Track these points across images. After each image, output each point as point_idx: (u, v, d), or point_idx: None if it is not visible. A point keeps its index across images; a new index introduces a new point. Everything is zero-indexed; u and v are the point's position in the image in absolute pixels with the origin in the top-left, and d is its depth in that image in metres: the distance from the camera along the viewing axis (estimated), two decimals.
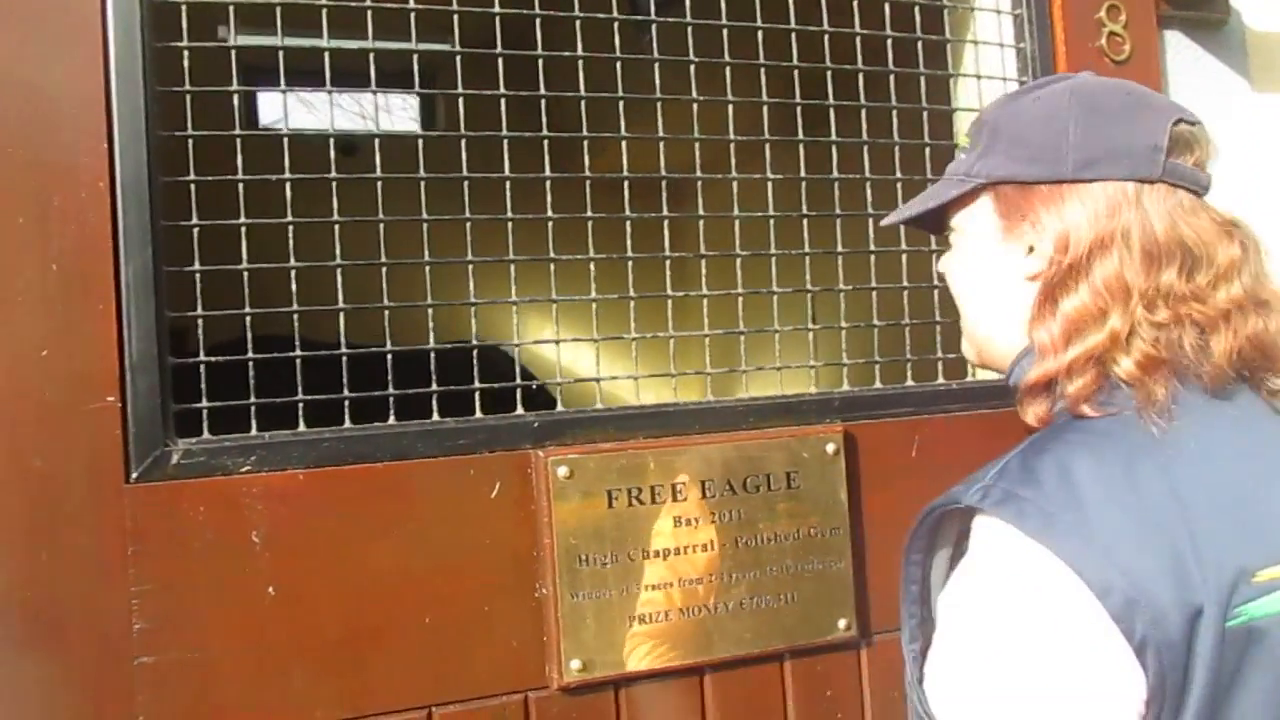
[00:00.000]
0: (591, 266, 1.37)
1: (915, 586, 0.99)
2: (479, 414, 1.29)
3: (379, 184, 1.28)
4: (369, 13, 1.25)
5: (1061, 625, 0.80)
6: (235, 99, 1.25)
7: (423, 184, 1.30)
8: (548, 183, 1.35)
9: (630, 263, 1.39)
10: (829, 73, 1.49)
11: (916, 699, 0.91)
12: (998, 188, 0.97)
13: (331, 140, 1.29)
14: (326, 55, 1.25)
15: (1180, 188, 0.92)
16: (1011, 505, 0.84)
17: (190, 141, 1.19)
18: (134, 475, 1.13)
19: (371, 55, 1.27)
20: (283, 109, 1.24)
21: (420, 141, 1.31)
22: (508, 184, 1.33)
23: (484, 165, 1.32)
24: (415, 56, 1.29)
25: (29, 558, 1.11)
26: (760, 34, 1.45)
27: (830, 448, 1.39)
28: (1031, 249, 0.95)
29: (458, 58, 1.32)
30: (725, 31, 1.43)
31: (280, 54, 1.23)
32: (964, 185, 0.99)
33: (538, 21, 1.34)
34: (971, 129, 1.02)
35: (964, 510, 0.90)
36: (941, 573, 0.97)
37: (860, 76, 1.51)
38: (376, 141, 1.29)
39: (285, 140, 1.24)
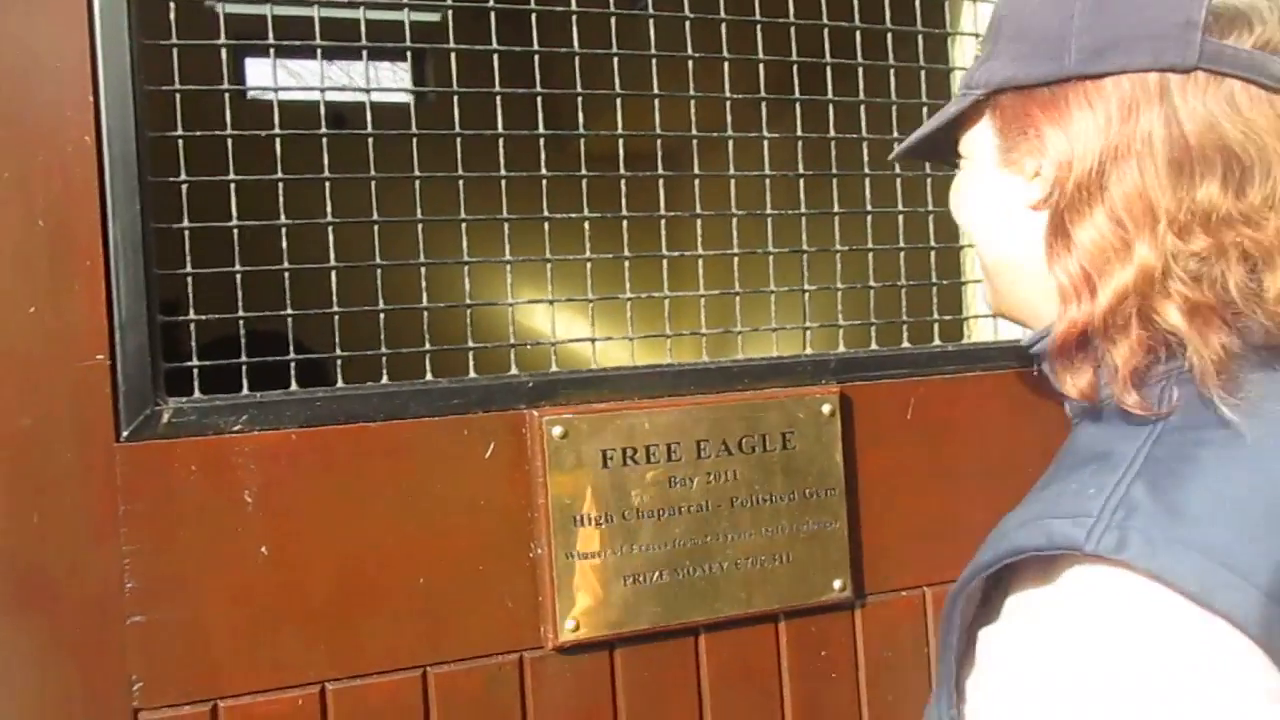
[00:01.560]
0: (586, 226, 1.36)
1: (955, 640, 0.75)
2: (472, 374, 1.28)
3: (370, 149, 1.26)
4: None
5: None
6: (224, 66, 1.23)
7: (414, 147, 1.28)
8: (541, 143, 1.33)
9: (625, 224, 1.38)
10: (825, 31, 1.47)
11: None
12: (997, 98, 0.79)
13: (322, 105, 1.27)
14: (316, 22, 1.23)
15: (1230, 76, 0.70)
16: (1165, 554, 0.62)
17: (178, 97, 1.18)
18: (124, 434, 1.12)
19: (363, 22, 1.25)
20: (271, 75, 1.22)
21: (412, 107, 1.30)
22: (501, 143, 1.31)
23: (480, 133, 1.30)
24: (406, 23, 1.27)
25: (18, 518, 1.10)
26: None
27: (826, 409, 1.39)
28: (1037, 171, 0.77)
29: (449, 25, 1.30)
30: None
31: (269, 18, 1.20)
32: (962, 100, 0.82)
33: None
34: (986, 34, 0.83)
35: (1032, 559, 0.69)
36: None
37: (857, 34, 1.49)
38: (368, 107, 1.27)
39: (275, 100, 1.22)
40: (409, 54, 1.24)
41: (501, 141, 1.31)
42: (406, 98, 4.25)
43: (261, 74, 4.08)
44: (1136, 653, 0.62)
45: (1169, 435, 0.70)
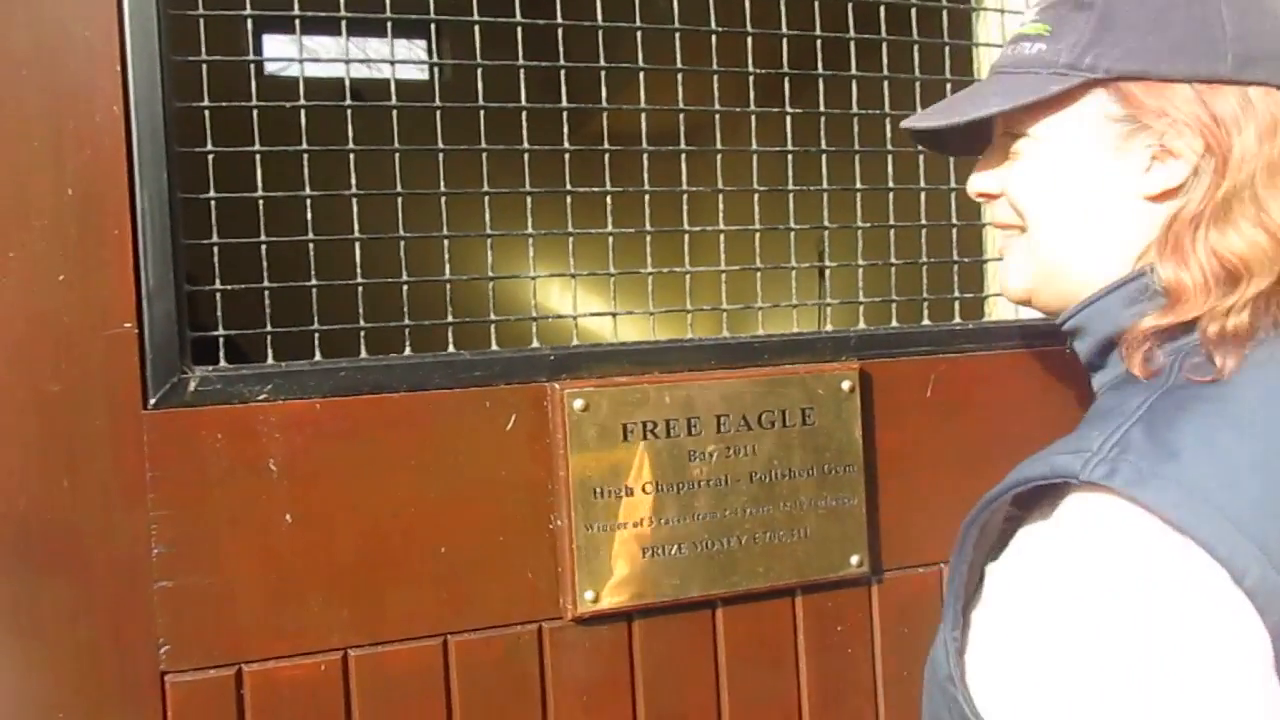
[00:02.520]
0: (608, 201, 1.36)
1: (965, 568, 0.83)
2: (494, 346, 1.29)
3: (395, 122, 1.26)
4: None
5: (1208, 643, 0.65)
6: (249, 36, 1.24)
7: (438, 118, 1.29)
8: (564, 115, 1.34)
9: (646, 199, 1.38)
10: (849, 5, 1.46)
11: (957, 696, 0.79)
12: (1117, 84, 0.80)
13: (347, 73, 1.27)
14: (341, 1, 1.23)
15: None
16: (1152, 485, 0.69)
17: (205, 68, 1.18)
18: (151, 402, 1.14)
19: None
20: (294, 49, 1.23)
21: (436, 82, 1.30)
22: (524, 115, 1.32)
23: (498, 110, 1.31)
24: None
25: (49, 483, 1.12)
26: None
27: (846, 385, 1.39)
28: (1155, 161, 0.80)
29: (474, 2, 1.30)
30: None
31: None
32: (1066, 80, 0.81)
33: None
34: (1047, 13, 0.85)
35: (1038, 489, 0.77)
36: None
37: (881, 9, 1.48)
38: (392, 82, 1.27)
39: (301, 71, 1.23)
40: (428, 29, 1.24)
41: (525, 116, 1.32)
42: (425, 74, 4.24)
43: (279, 50, 4.08)
44: (1118, 572, 0.69)
45: (1174, 391, 0.78)
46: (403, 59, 1.29)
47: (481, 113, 1.30)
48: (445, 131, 1.30)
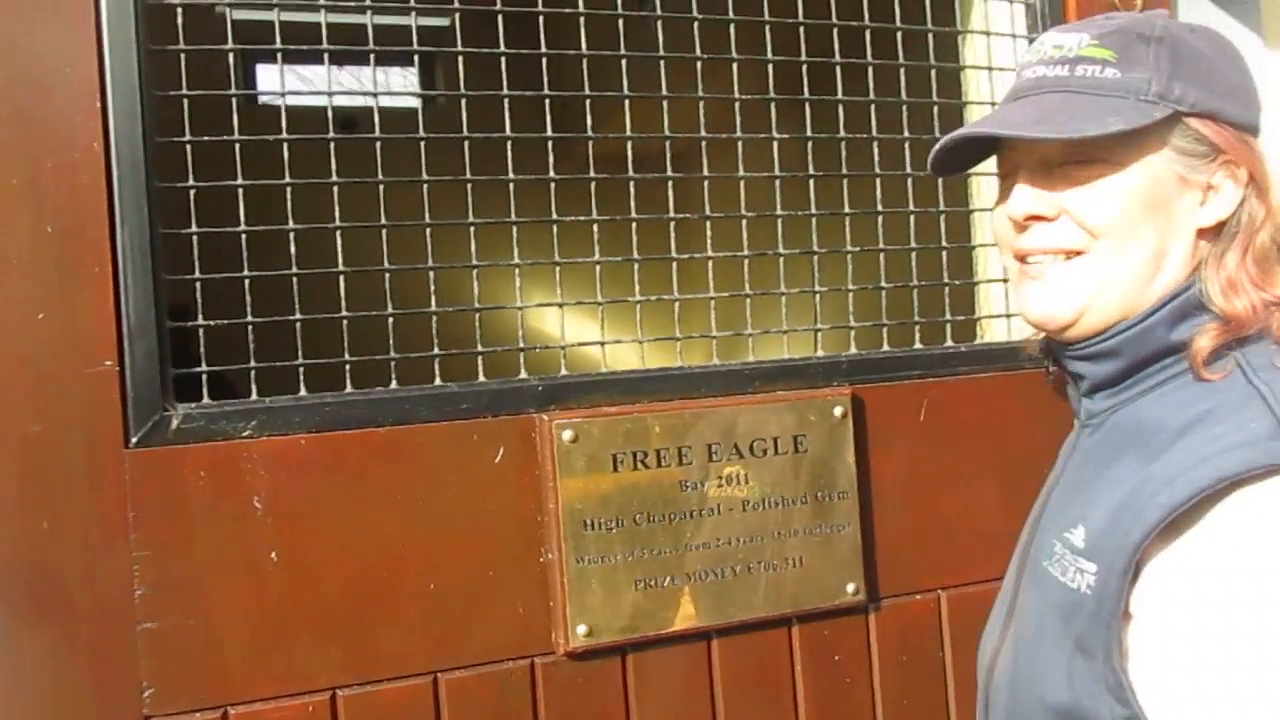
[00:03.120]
0: (595, 229, 1.35)
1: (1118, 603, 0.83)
2: (482, 378, 1.27)
3: (378, 153, 1.26)
4: None
5: None
6: (232, 71, 1.23)
7: (423, 150, 1.28)
8: (549, 145, 1.33)
9: (634, 226, 1.37)
10: (834, 31, 1.46)
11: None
12: (1190, 121, 0.86)
13: (330, 110, 1.26)
14: (324, 27, 1.23)
15: None
16: None
17: (186, 103, 1.18)
18: (133, 440, 1.12)
19: (370, 28, 1.24)
20: (279, 81, 1.22)
21: (420, 112, 1.29)
22: (509, 146, 1.31)
23: (485, 134, 1.30)
24: (414, 29, 1.27)
25: (29, 524, 1.10)
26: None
27: (838, 411, 1.37)
28: (1209, 194, 0.88)
29: (457, 26, 1.29)
30: None
31: (276, 24, 1.20)
32: (1159, 109, 0.85)
33: None
34: (1107, 39, 0.88)
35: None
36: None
37: (867, 34, 1.48)
38: (375, 112, 1.26)
39: (283, 104, 1.22)
40: (417, 59, 1.24)
41: (510, 145, 1.31)
42: (415, 102, 4.24)
43: (270, 80, 4.08)
44: None
45: (1271, 380, 0.83)
46: (387, 92, 1.28)
47: (467, 143, 1.29)
48: (432, 158, 1.29)
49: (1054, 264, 0.90)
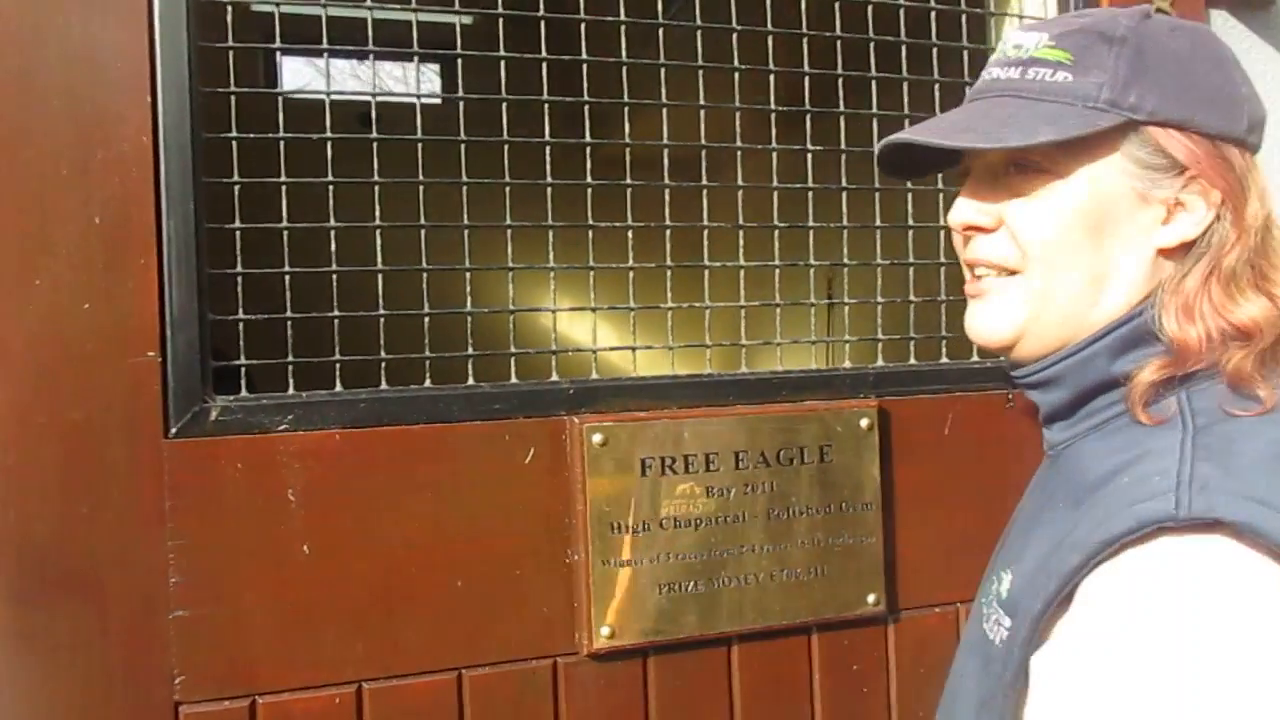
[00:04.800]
0: (630, 235, 1.36)
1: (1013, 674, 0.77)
2: (514, 379, 1.29)
3: (420, 150, 1.27)
4: None
5: None
6: (276, 64, 1.25)
7: (463, 149, 1.29)
8: (587, 150, 1.34)
9: (668, 234, 1.38)
10: (871, 45, 1.47)
11: None
12: (1153, 129, 0.77)
13: (373, 104, 1.28)
14: (370, 23, 1.24)
15: None
16: (1260, 516, 0.67)
17: (233, 99, 1.19)
18: (173, 430, 1.14)
19: (414, 23, 1.26)
20: (322, 74, 1.24)
21: (461, 107, 1.31)
22: (547, 150, 1.32)
23: (520, 137, 1.31)
24: (458, 25, 1.28)
25: (69, 509, 1.11)
26: (803, 4, 1.43)
27: (864, 422, 1.38)
28: (1175, 211, 0.78)
29: (500, 29, 1.30)
30: (769, 1, 1.41)
31: (323, 18, 1.22)
32: (1107, 117, 0.77)
33: None
34: (1064, 40, 0.80)
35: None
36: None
37: (903, 49, 1.49)
38: (417, 110, 1.28)
39: (327, 101, 1.24)
40: (458, 59, 1.25)
41: (548, 149, 1.32)
42: (449, 94, 4.27)
43: (295, 70, 4.11)
44: (1255, 602, 0.65)
45: (1213, 427, 0.75)
46: (426, 93, 1.29)
47: (506, 146, 1.30)
48: (467, 155, 1.30)
49: (995, 280, 0.82)
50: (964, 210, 0.82)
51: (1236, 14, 1.80)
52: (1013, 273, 0.81)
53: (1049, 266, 0.79)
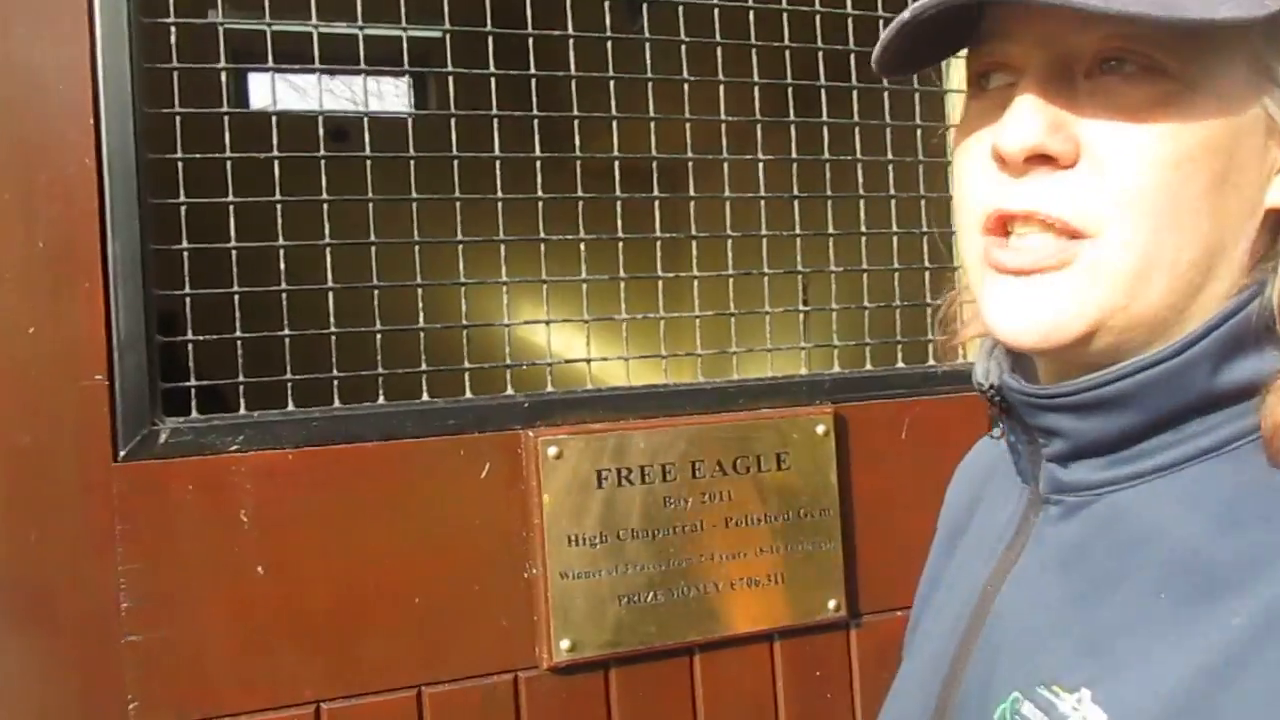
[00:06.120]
0: (582, 247, 1.37)
1: None
2: (469, 394, 1.29)
3: (368, 167, 1.27)
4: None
5: None
6: (224, 83, 1.24)
7: (412, 167, 1.30)
8: (538, 164, 1.35)
9: (621, 244, 1.39)
10: (820, 54, 1.48)
11: None
12: None
13: (320, 121, 1.28)
14: (315, 38, 1.24)
15: None
16: None
17: (178, 119, 1.19)
18: (122, 454, 1.13)
19: (361, 39, 1.26)
20: (271, 92, 1.24)
21: (410, 125, 1.31)
22: (498, 164, 1.32)
23: (474, 150, 1.31)
24: (404, 41, 1.28)
25: (17, 536, 1.10)
26: (751, 15, 1.44)
27: (820, 429, 1.39)
28: None
29: (448, 41, 1.31)
30: (716, 12, 1.42)
31: (269, 35, 1.22)
32: (1263, 5, 0.50)
33: (528, 5, 1.33)
34: None
35: None
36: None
37: (852, 57, 1.50)
38: (365, 124, 1.28)
39: (274, 119, 1.23)
40: (408, 72, 1.26)
41: (499, 165, 1.32)
42: (406, 109, 4.29)
43: (261, 85, 4.10)
44: None
45: None
46: (381, 112, 1.29)
47: (455, 161, 1.30)
48: (421, 170, 1.30)
49: (1052, 243, 0.54)
50: (1032, 125, 0.53)
51: None
52: (1078, 236, 0.53)
53: (1155, 230, 0.53)
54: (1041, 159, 0.53)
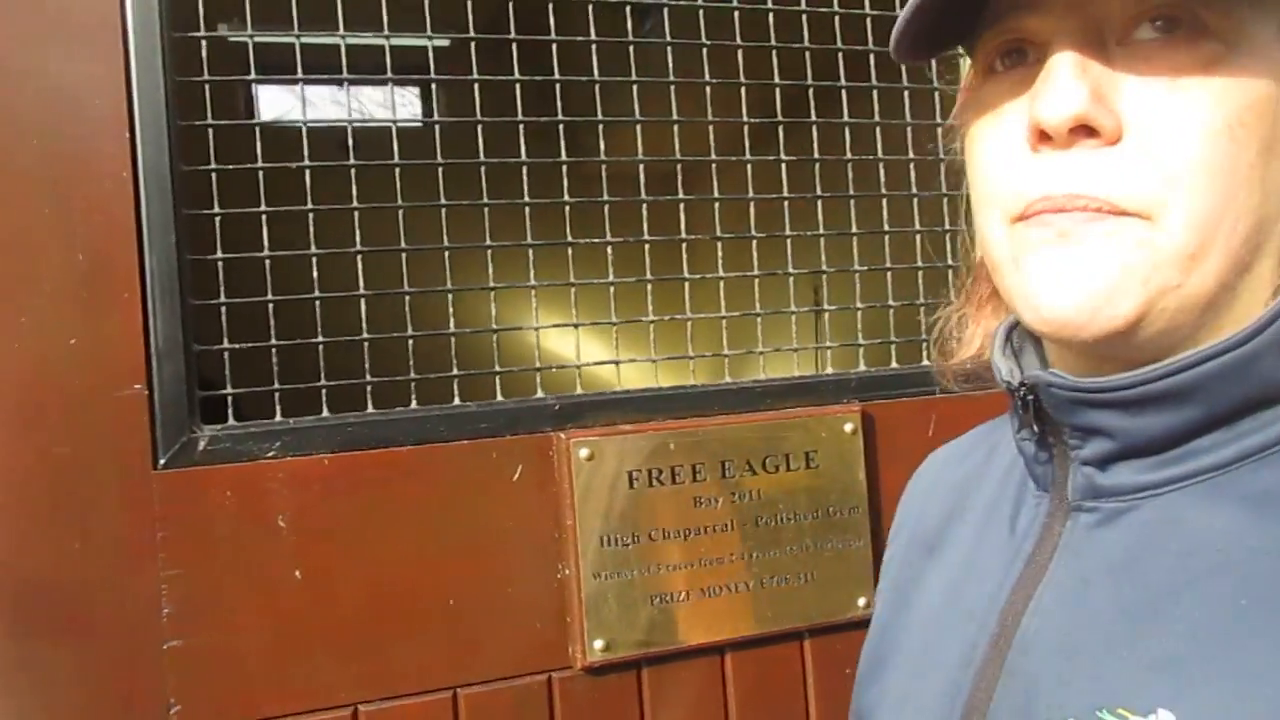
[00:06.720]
0: (609, 251, 1.38)
1: None
2: (500, 397, 1.30)
3: (396, 173, 1.28)
4: (383, 5, 1.26)
5: None
6: (242, 96, 1.26)
7: (440, 172, 1.31)
8: (564, 168, 1.36)
9: (647, 246, 1.40)
10: (840, 54, 1.49)
11: None
12: None
13: (350, 130, 1.29)
14: (343, 49, 1.26)
15: None
16: None
17: (210, 131, 1.21)
18: (161, 461, 1.15)
19: (387, 49, 1.28)
20: (299, 103, 1.25)
21: (437, 130, 1.32)
22: (524, 169, 1.34)
23: (497, 156, 1.33)
24: (430, 50, 1.30)
25: (59, 545, 1.12)
26: (771, 17, 1.45)
27: (848, 427, 1.40)
28: None
29: (473, 51, 1.32)
30: (737, 15, 1.43)
31: (298, 48, 1.23)
32: None
33: (550, 9, 1.34)
34: None
35: None
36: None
37: (871, 57, 1.51)
38: (394, 134, 1.29)
39: (303, 130, 1.25)
40: (427, 75, 1.28)
41: (525, 171, 1.34)
42: (423, 119, 4.33)
43: (272, 98, 4.14)
44: None
45: None
46: (403, 118, 1.31)
47: (483, 167, 1.32)
48: (445, 177, 1.31)
49: (1095, 224, 0.49)
50: (1076, 92, 0.48)
51: None
52: (1128, 216, 0.49)
53: (1212, 206, 0.48)
54: (1085, 132, 0.49)
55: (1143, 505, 0.53)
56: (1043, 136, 0.50)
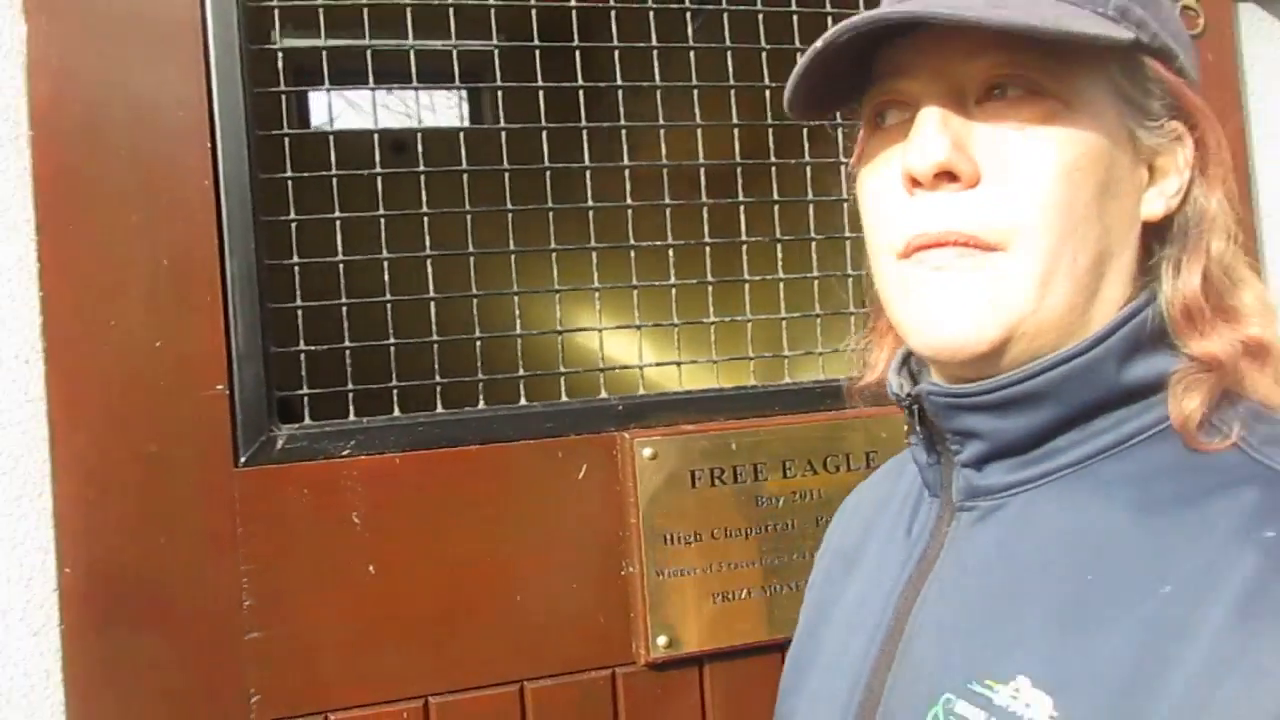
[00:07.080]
0: (670, 253, 1.40)
1: None
2: (564, 398, 1.33)
3: (464, 179, 1.32)
4: (451, 10, 1.29)
5: None
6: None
7: (507, 177, 1.34)
8: (627, 173, 1.38)
9: (707, 248, 1.42)
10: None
11: None
12: (1147, 61, 0.59)
13: (419, 135, 1.33)
14: (412, 55, 1.29)
15: None
16: None
17: (287, 140, 1.25)
18: (242, 459, 1.19)
19: (455, 53, 1.31)
20: (350, 105, 1.29)
21: (503, 136, 1.35)
22: (588, 174, 1.36)
23: (559, 160, 1.35)
24: (497, 55, 1.33)
25: (146, 539, 1.17)
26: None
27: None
28: (1155, 172, 0.61)
29: (536, 57, 1.35)
30: (761, 18, 1.44)
31: (368, 54, 1.27)
32: (1119, 29, 0.56)
33: (574, 15, 1.36)
34: None
35: None
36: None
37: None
38: (462, 140, 1.33)
39: (375, 137, 1.29)
40: (490, 77, 1.31)
41: (589, 175, 1.36)
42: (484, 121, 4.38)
43: (321, 103, 4.20)
44: None
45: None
46: (467, 124, 1.34)
47: (547, 168, 1.34)
48: (483, 181, 1.33)
49: (964, 259, 0.58)
50: (939, 143, 0.57)
51: (1265, 6, 1.80)
52: (991, 250, 0.58)
53: (1057, 237, 0.57)
54: (948, 178, 0.58)
55: (1011, 502, 0.62)
56: (914, 182, 0.59)
